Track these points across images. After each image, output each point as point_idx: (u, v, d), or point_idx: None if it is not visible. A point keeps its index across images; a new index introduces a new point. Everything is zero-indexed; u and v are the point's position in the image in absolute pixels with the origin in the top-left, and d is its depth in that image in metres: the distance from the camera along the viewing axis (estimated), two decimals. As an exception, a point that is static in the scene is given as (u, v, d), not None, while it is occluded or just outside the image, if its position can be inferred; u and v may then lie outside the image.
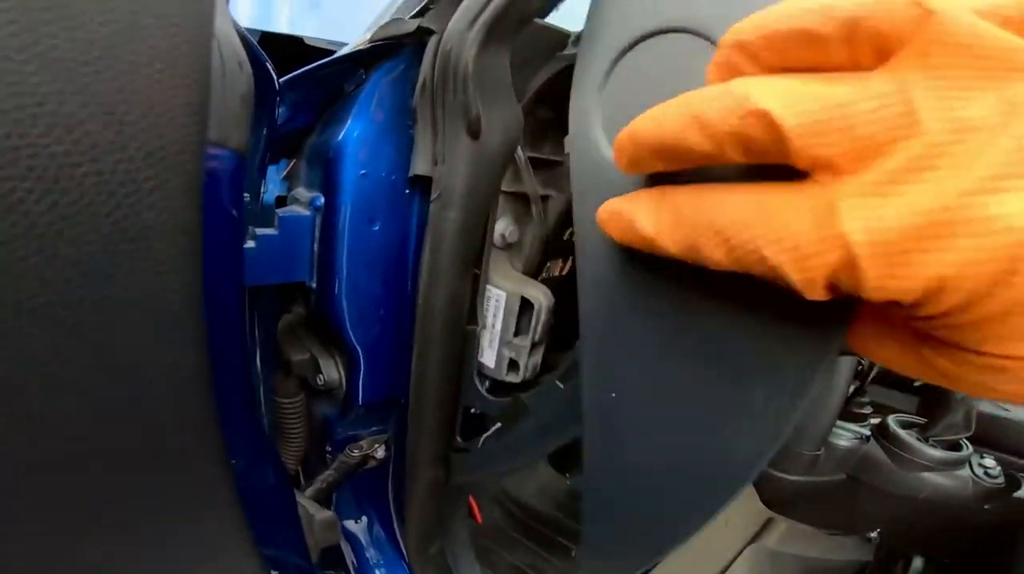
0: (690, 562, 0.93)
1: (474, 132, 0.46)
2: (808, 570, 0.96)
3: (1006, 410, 1.33)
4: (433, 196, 0.50)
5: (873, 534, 0.99)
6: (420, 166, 0.51)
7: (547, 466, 1.31)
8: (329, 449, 0.64)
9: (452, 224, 0.49)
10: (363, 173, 0.50)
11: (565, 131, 0.36)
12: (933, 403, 1.05)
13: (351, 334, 0.55)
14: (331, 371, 0.59)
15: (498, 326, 0.56)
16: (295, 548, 0.55)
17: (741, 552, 0.95)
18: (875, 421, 1.08)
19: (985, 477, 0.98)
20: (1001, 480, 0.99)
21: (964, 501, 0.96)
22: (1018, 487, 0.99)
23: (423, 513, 0.66)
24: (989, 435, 1.24)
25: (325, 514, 0.55)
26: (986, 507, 0.96)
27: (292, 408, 0.62)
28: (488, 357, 0.57)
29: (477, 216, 0.50)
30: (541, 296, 0.54)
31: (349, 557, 0.75)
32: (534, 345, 0.55)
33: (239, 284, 0.43)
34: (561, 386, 0.49)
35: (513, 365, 0.56)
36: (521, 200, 0.58)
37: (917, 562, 0.93)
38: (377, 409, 0.62)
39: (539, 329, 0.54)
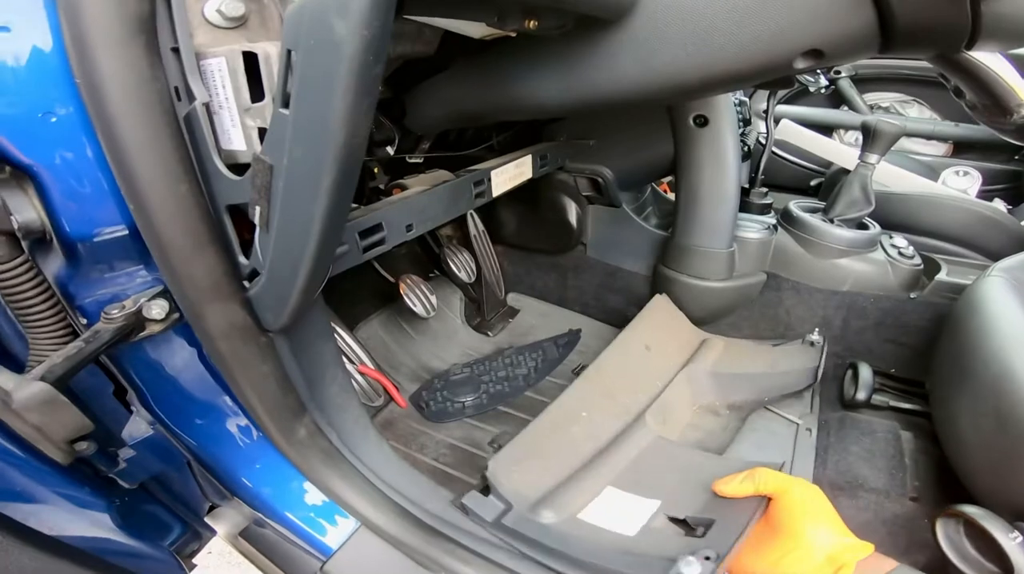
0: (629, 385, 0.84)
1: None
2: (755, 385, 0.90)
3: (886, 187, 1.30)
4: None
5: (815, 336, 0.92)
6: None
7: (467, 328, 1.23)
8: (84, 321, 0.48)
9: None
10: None
11: None
12: (827, 184, 0.96)
13: (17, 149, 0.38)
14: (24, 208, 0.41)
15: (231, 97, 0.39)
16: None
17: (675, 377, 0.89)
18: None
19: (900, 257, 0.92)
20: (917, 260, 0.93)
21: (888, 290, 0.91)
22: (937, 269, 0.93)
23: (248, 378, 0.52)
24: (890, 213, 1.19)
25: (32, 387, 0.39)
26: (912, 296, 0.90)
27: (13, 275, 0.45)
28: (236, 139, 0.41)
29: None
30: (268, 46, 0.38)
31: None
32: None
33: None
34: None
35: (264, 133, 0.40)
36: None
37: (865, 371, 0.88)
38: (114, 250, 0.46)
39: (277, 82, 0.38)
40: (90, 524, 0.50)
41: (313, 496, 0.65)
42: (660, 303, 1.00)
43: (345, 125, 0.31)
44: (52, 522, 0.47)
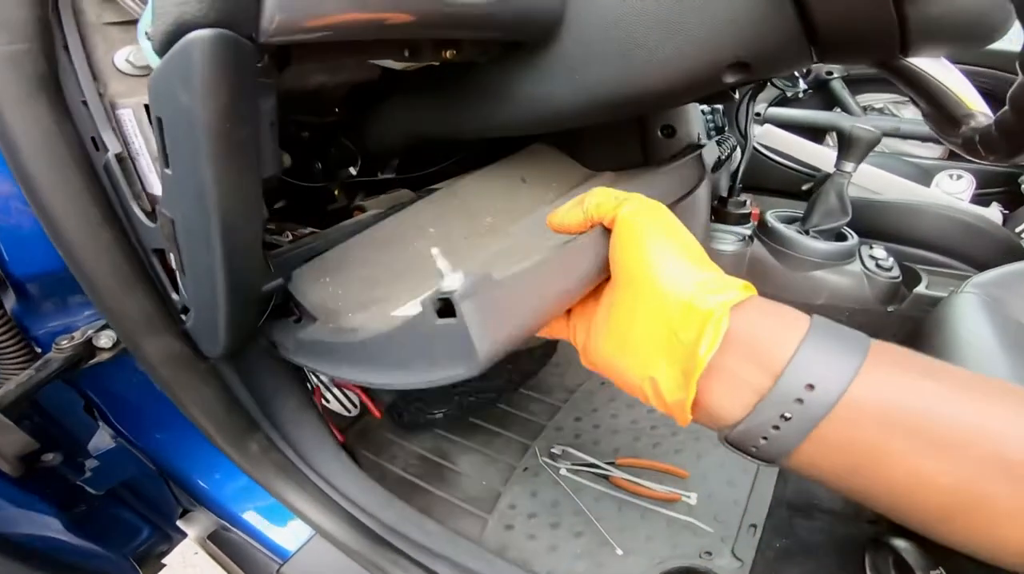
0: (497, 208, 0.72)
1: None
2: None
3: (876, 194, 1.24)
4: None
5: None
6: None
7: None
8: (40, 350, 0.52)
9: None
10: None
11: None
12: (817, 187, 0.94)
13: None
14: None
15: (143, 145, 0.42)
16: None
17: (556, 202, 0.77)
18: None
19: (878, 270, 0.89)
20: (896, 273, 0.91)
21: (864, 303, 0.89)
22: (918, 281, 0.90)
23: (191, 400, 0.56)
24: (868, 222, 1.16)
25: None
26: (890, 310, 0.88)
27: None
28: (156, 185, 0.43)
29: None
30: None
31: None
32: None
33: None
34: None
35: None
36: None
37: None
38: (59, 286, 0.49)
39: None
40: (39, 526, 0.54)
41: (271, 503, 0.68)
42: (542, 147, 0.87)
43: (218, 187, 0.33)
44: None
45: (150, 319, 0.47)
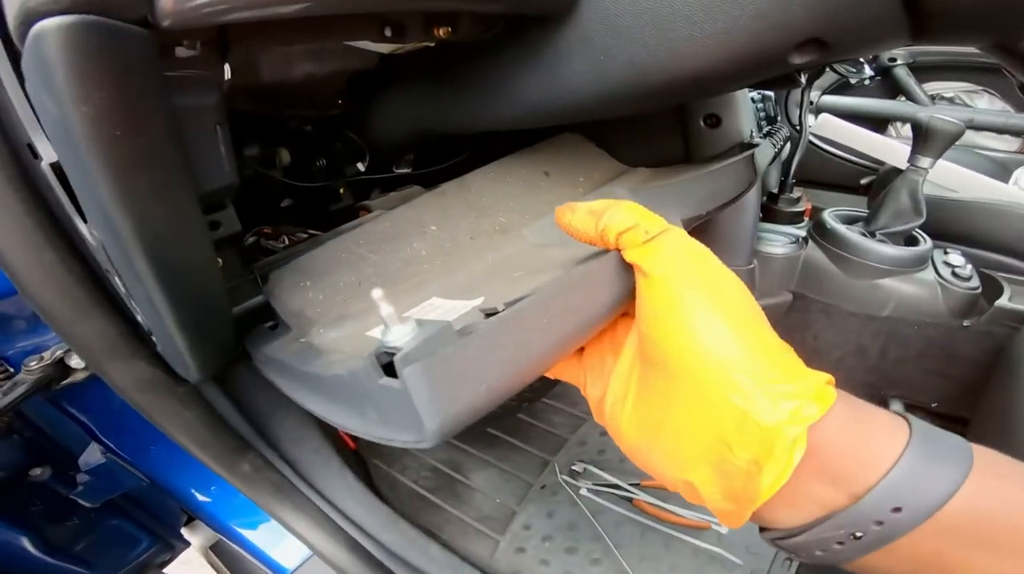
0: (511, 206, 0.61)
1: None
2: (689, 196, 0.72)
3: (951, 191, 1.07)
4: None
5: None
6: None
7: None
8: (12, 370, 0.49)
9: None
10: None
11: None
12: (880, 183, 0.81)
13: None
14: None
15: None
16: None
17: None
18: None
19: (954, 279, 0.76)
20: (975, 282, 0.78)
21: (937, 316, 0.76)
22: (1000, 292, 0.76)
23: (172, 424, 0.52)
24: (942, 224, 1.00)
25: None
26: (965, 324, 0.75)
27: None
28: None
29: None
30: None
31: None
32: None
33: None
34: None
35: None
36: None
37: (896, 408, 0.75)
38: (24, 307, 0.45)
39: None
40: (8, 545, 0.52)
41: (269, 520, 0.65)
42: (571, 137, 0.76)
43: (124, 208, 0.27)
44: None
45: (113, 344, 0.43)
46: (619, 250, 0.28)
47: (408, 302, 0.45)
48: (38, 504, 0.56)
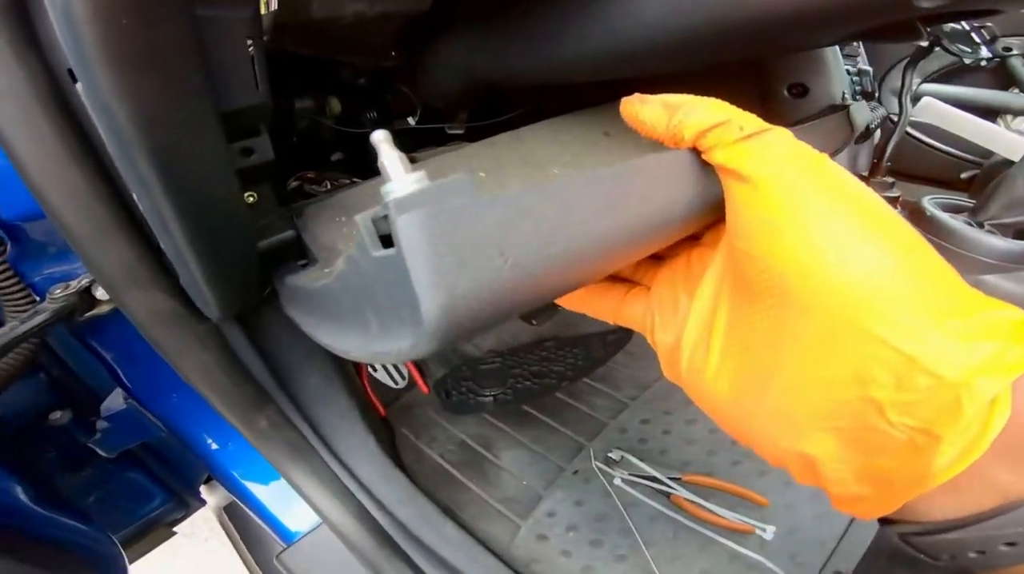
0: (567, 160, 0.62)
1: None
2: None
3: None
4: None
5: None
6: None
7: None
8: (38, 298, 0.48)
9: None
10: None
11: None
12: (984, 177, 0.71)
13: None
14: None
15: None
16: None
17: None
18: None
19: None
20: None
21: None
22: None
23: (188, 365, 0.49)
24: None
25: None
26: None
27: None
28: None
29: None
30: None
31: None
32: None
33: None
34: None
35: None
36: None
37: None
38: (52, 230, 0.44)
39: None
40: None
41: (281, 483, 0.63)
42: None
43: (129, 108, 0.23)
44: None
45: (133, 271, 0.40)
46: (695, 149, 0.23)
47: None
48: (52, 451, 0.56)
